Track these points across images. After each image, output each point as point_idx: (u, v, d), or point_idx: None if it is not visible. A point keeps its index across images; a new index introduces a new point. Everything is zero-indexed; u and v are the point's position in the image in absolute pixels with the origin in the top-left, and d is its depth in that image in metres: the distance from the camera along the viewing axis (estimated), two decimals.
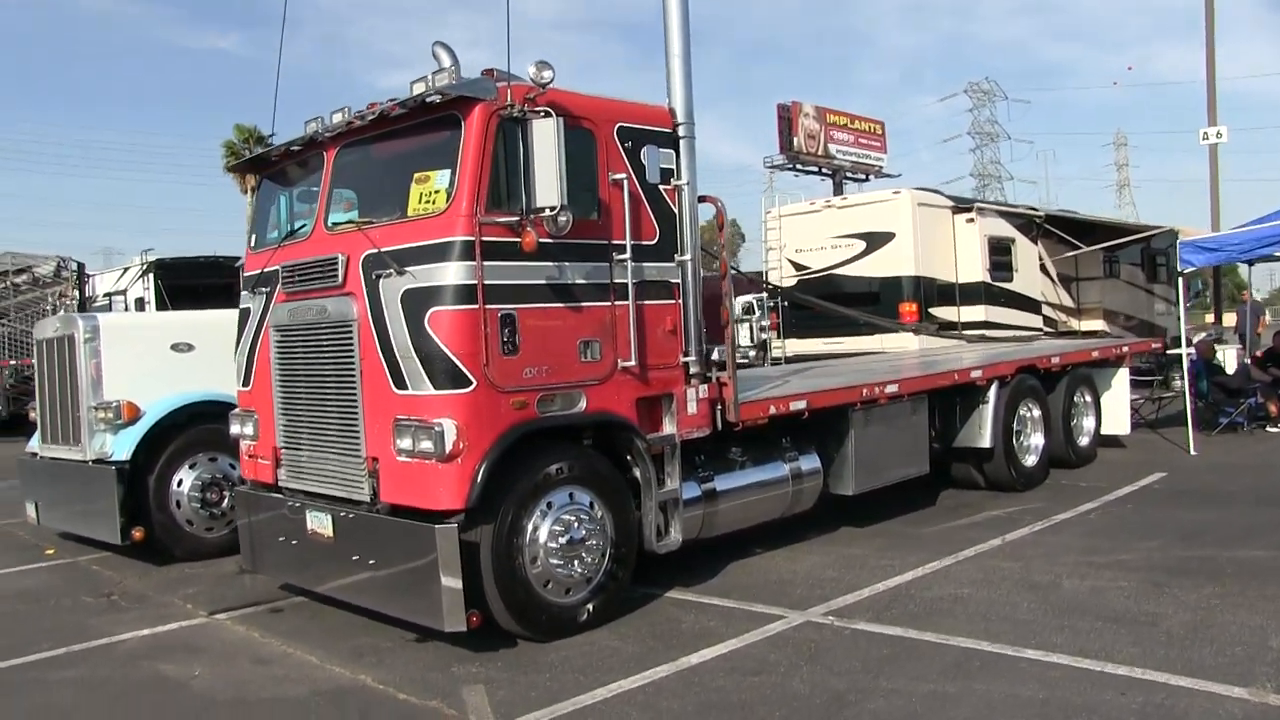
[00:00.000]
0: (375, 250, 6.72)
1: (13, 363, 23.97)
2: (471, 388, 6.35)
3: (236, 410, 8.29)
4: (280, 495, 7.72)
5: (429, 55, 7.10)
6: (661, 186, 7.54)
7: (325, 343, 7.15)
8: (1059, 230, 18.80)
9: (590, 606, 6.96)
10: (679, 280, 7.63)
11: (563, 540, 6.77)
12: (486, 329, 6.42)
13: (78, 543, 10.48)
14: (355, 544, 6.89)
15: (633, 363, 7.16)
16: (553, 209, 6.39)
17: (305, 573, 7.64)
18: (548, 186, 6.37)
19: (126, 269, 24.59)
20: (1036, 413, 11.69)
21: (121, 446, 9.47)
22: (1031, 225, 18.33)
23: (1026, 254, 17.87)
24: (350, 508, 6.97)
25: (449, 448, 6.27)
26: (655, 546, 7.41)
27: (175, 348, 10.12)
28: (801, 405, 8.59)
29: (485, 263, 6.41)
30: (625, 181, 7.17)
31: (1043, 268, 18.71)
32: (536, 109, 6.50)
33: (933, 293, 16.53)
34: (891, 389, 9.52)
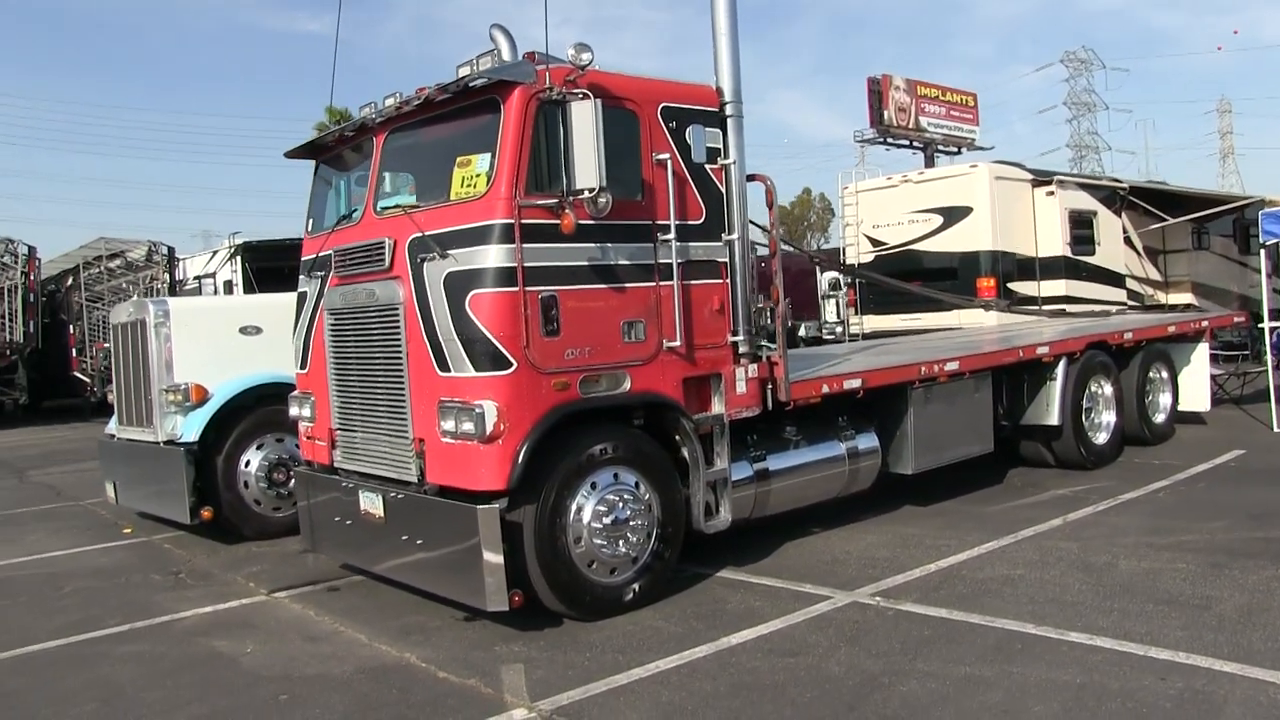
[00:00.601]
0: (420, 234, 6.80)
1: (107, 345, 24.74)
2: (512, 369, 6.40)
3: (295, 392, 8.47)
4: (336, 476, 7.87)
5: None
6: (708, 166, 7.50)
7: (374, 326, 7.26)
8: (1144, 202, 18.30)
9: (636, 586, 6.99)
10: (726, 259, 7.58)
11: (607, 520, 6.80)
12: (527, 311, 6.46)
13: (154, 522, 10.79)
14: (404, 524, 7.00)
15: (678, 343, 7.14)
16: (592, 191, 6.39)
17: (360, 552, 7.78)
18: (587, 168, 6.37)
19: (215, 252, 25.16)
20: (1108, 389, 11.41)
21: (190, 428, 9.73)
22: (1115, 197, 17.85)
23: (1109, 227, 17.41)
24: (399, 488, 7.08)
25: (489, 429, 6.33)
26: (703, 526, 7.41)
27: (244, 330, 10.36)
28: (856, 384, 8.51)
29: (525, 245, 6.45)
30: (669, 162, 7.14)
31: (1127, 241, 18.24)
32: (575, 91, 6.50)
33: (1011, 267, 16.23)
34: (952, 366, 9.36)
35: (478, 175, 6.68)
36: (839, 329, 24.52)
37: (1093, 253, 16.96)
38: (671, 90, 7.37)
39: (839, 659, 5.83)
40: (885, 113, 42.83)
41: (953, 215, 16.38)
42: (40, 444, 20.48)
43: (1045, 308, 16.14)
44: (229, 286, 17.91)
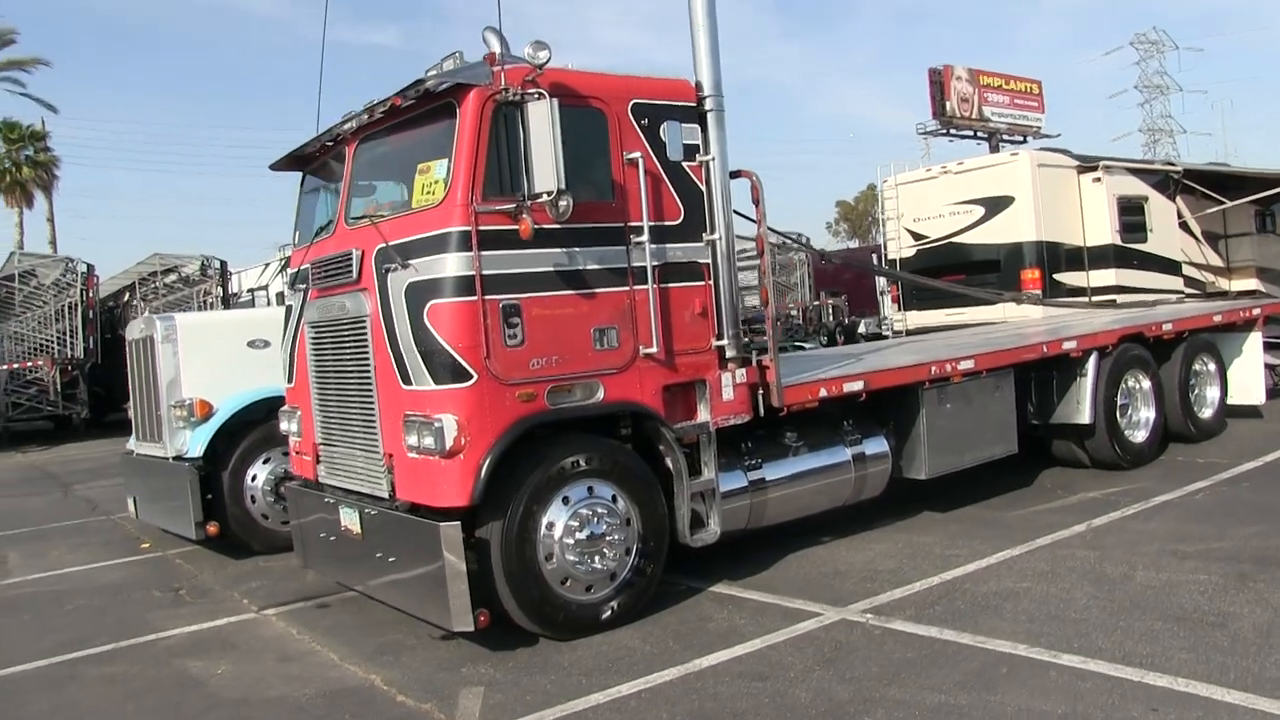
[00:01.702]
0: (384, 244, 6.60)
1: None
2: (471, 382, 6.17)
3: (284, 407, 8.34)
4: (321, 492, 7.71)
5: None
6: (685, 164, 7.19)
7: (346, 339, 7.09)
8: (1201, 185, 17.54)
9: (614, 604, 6.71)
10: (709, 260, 7.28)
11: (581, 536, 6.54)
12: (487, 320, 6.22)
13: (173, 537, 10.72)
14: (378, 541, 6.81)
15: (655, 349, 6.85)
16: (551, 194, 6.14)
17: (343, 570, 7.62)
18: (545, 170, 6.11)
19: (267, 265, 25.30)
20: (1145, 384, 10.84)
21: (195, 443, 9.68)
22: (1168, 181, 17.11)
23: (1162, 212, 16.68)
24: (374, 504, 6.90)
25: (449, 443, 6.11)
26: (689, 540, 7.10)
27: (251, 345, 10.25)
28: (857, 386, 8.13)
29: (484, 252, 6.22)
30: (641, 160, 6.85)
31: (1183, 226, 17.49)
32: (532, 91, 6.24)
33: (1058, 257, 15.63)
34: (966, 365, 8.91)
35: (436, 182, 6.46)
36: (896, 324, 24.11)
37: (1145, 240, 16.26)
38: (643, 86, 7.07)
39: (809, 684, 5.50)
40: (947, 104, 42.06)
41: (995, 206, 15.83)
42: (93, 457, 20.72)
43: (1095, 298, 15.53)
44: (280, 298, 18.03)
